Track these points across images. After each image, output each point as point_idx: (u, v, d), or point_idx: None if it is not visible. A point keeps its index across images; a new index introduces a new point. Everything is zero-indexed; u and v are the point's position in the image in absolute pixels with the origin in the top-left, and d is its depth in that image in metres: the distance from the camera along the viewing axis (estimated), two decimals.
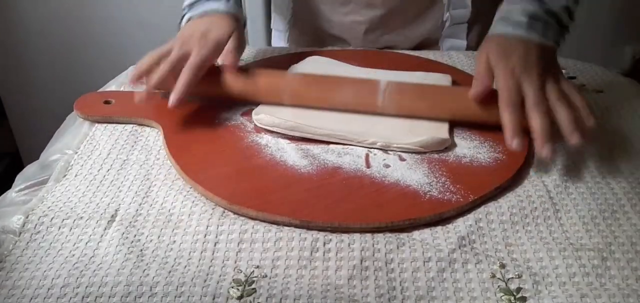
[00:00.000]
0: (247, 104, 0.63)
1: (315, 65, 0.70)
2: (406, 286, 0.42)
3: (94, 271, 0.43)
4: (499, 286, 0.42)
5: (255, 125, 0.60)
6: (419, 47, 0.84)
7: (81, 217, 0.49)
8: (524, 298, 0.41)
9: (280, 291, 0.42)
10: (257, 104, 0.62)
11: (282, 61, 0.72)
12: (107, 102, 0.65)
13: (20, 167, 0.59)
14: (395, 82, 0.60)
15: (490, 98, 0.56)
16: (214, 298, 0.41)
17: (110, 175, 0.54)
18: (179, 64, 0.59)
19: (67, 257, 0.45)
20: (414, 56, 0.77)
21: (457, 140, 0.58)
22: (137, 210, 0.50)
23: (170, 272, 0.43)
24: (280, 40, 0.92)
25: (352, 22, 0.83)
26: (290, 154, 0.56)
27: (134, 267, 0.44)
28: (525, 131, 0.53)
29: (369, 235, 0.47)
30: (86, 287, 0.42)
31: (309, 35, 0.88)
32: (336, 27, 0.85)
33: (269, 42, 1.28)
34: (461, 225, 0.48)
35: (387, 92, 0.59)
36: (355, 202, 0.49)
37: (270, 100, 0.61)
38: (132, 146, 0.59)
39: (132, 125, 0.62)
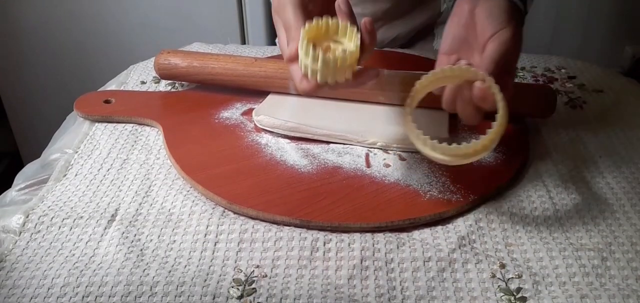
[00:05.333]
0: (249, 95, 0.64)
1: None
2: (406, 286, 0.42)
3: (94, 271, 0.43)
4: (499, 286, 0.42)
5: (255, 124, 0.60)
6: (415, 36, 0.88)
7: (81, 217, 0.49)
8: (524, 298, 0.41)
9: (280, 291, 0.42)
10: (262, 91, 0.63)
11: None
12: (107, 102, 0.65)
13: (20, 167, 0.59)
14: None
15: None
16: (214, 298, 0.41)
17: (110, 174, 0.54)
18: None
19: (67, 256, 0.45)
20: (413, 55, 0.77)
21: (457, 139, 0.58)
22: (137, 209, 0.50)
23: (170, 271, 0.43)
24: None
25: (356, 15, 0.85)
26: (290, 154, 0.56)
27: (134, 266, 0.44)
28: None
29: (369, 234, 0.47)
30: (86, 286, 0.42)
31: None
32: None
33: (270, 41, 1.29)
34: (461, 225, 0.48)
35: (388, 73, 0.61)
36: (355, 201, 0.49)
37: (278, 85, 0.63)
38: (132, 145, 0.59)
39: (132, 125, 0.62)
